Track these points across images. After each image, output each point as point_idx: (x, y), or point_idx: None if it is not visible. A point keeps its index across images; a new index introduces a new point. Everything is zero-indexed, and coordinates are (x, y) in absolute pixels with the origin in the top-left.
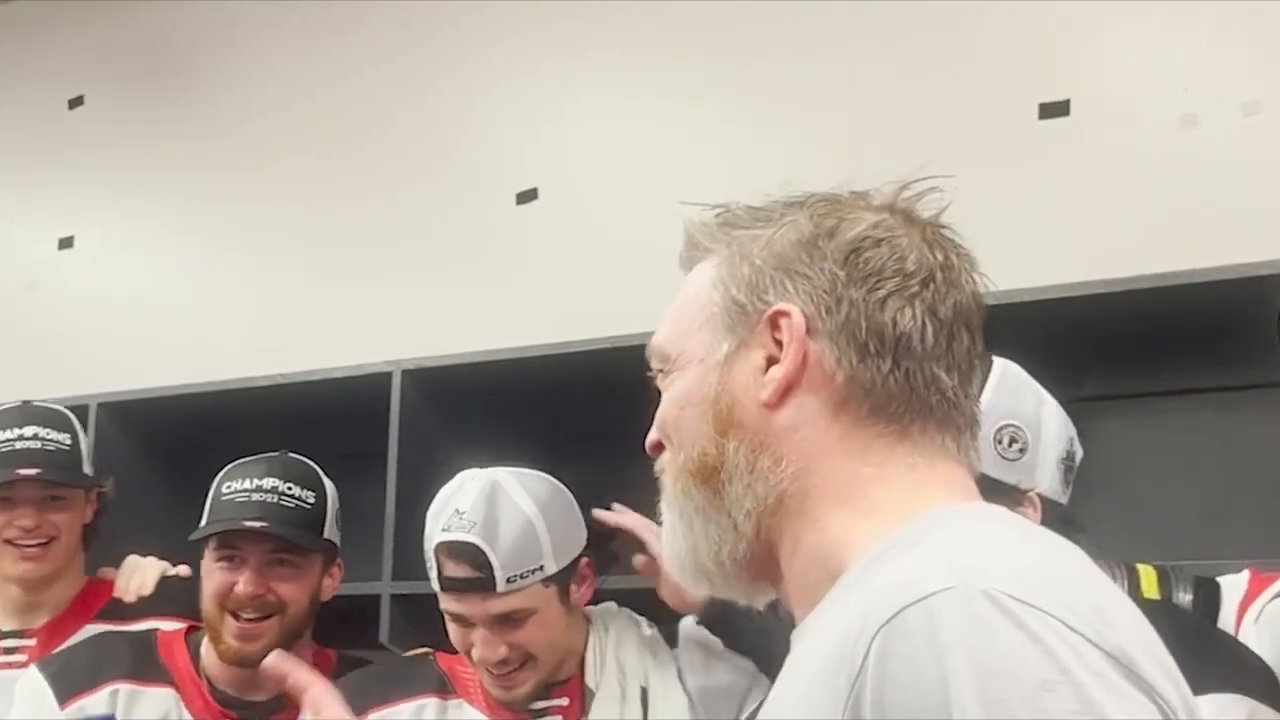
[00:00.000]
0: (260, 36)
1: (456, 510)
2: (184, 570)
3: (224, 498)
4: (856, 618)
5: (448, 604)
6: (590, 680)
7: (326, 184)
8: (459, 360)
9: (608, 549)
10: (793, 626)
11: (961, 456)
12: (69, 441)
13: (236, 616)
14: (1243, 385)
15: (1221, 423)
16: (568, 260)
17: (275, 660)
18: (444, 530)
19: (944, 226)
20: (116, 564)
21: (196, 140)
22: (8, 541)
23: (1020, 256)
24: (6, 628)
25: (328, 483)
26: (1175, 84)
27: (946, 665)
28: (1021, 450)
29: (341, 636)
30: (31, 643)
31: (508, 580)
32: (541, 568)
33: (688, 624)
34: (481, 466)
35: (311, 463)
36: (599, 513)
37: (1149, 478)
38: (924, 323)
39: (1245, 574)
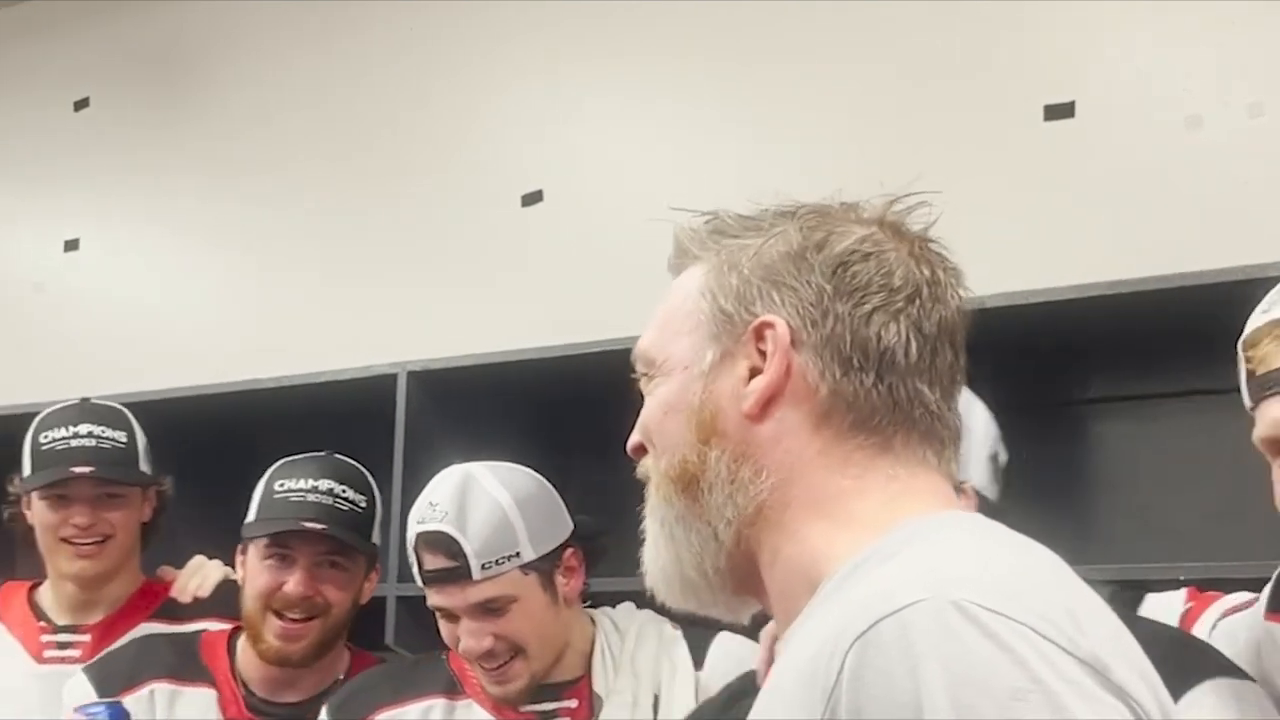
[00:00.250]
0: (264, 39)
1: (430, 503)
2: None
3: (277, 495)
4: (832, 630)
5: (431, 598)
6: (599, 684)
7: (332, 186)
8: (464, 362)
9: (595, 545)
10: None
11: (943, 468)
12: (125, 439)
13: (280, 616)
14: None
15: (1228, 424)
16: (572, 262)
17: None
18: (419, 523)
19: (932, 241)
20: (159, 563)
21: (201, 142)
22: (63, 540)
23: (1025, 258)
24: (61, 623)
25: (375, 486)
26: (1180, 86)
27: (920, 677)
28: None
29: (346, 638)
30: (86, 638)
31: (483, 567)
32: (518, 554)
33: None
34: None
35: (360, 465)
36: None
37: (1155, 479)
38: (908, 338)
39: (1183, 592)
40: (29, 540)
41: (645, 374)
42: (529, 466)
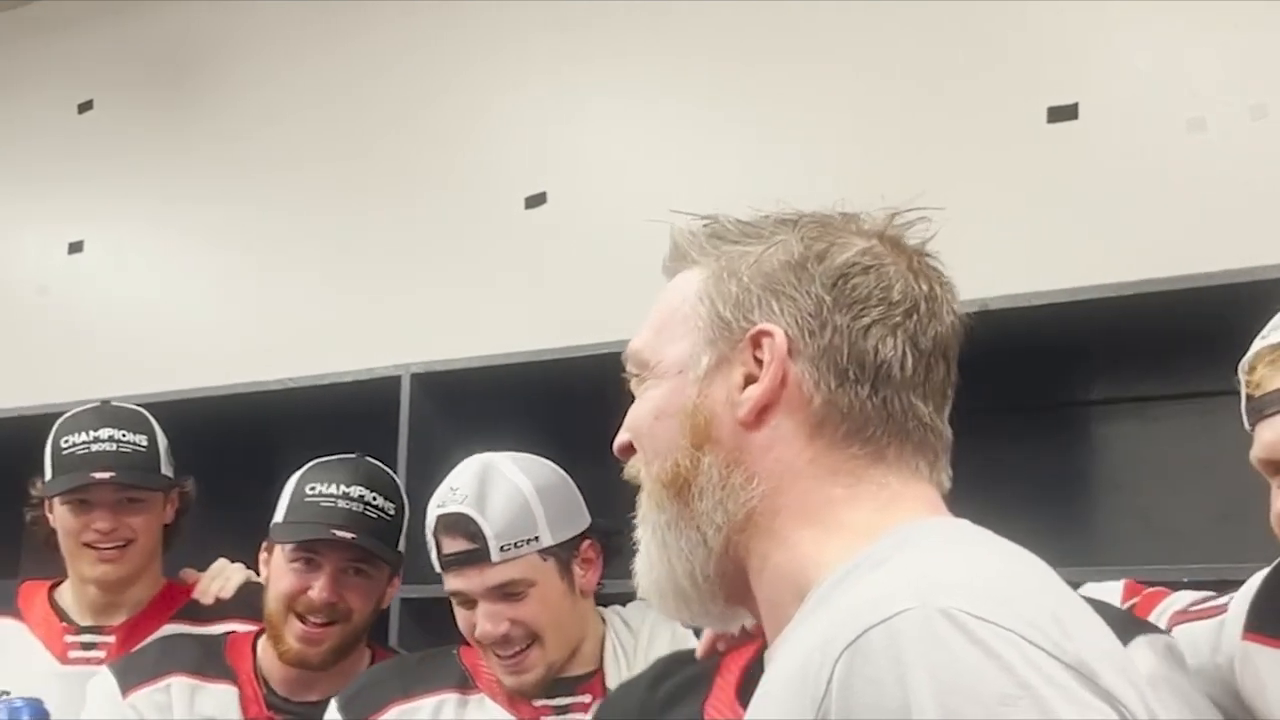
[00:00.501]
0: (268, 42)
1: (451, 487)
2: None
3: (308, 499)
4: (821, 639)
5: (449, 582)
6: (612, 679)
7: (335, 188)
8: (468, 364)
9: (609, 545)
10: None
11: (934, 478)
12: (145, 443)
13: (303, 619)
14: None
15: (1231, 426)
16: (576, 264)
17: None
18: (438, 507)
19: (930, 256)
20: (182, 566)
21: (205, 144)
22: (86, 544)
23: (1028, 260)
24: (84, 624)
25: (403, 492)
26: (1183, 88)
27: (908, 685)
28: None
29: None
30: (110, 639)
31: (501, 549)
32: (536, 538)
33: None
34: None
35: (390, 470)
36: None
37: (1160, 481)
38: (905, 352)
39: (1120, 584)
40: (50, 543)
41: (636, 375)
42: None
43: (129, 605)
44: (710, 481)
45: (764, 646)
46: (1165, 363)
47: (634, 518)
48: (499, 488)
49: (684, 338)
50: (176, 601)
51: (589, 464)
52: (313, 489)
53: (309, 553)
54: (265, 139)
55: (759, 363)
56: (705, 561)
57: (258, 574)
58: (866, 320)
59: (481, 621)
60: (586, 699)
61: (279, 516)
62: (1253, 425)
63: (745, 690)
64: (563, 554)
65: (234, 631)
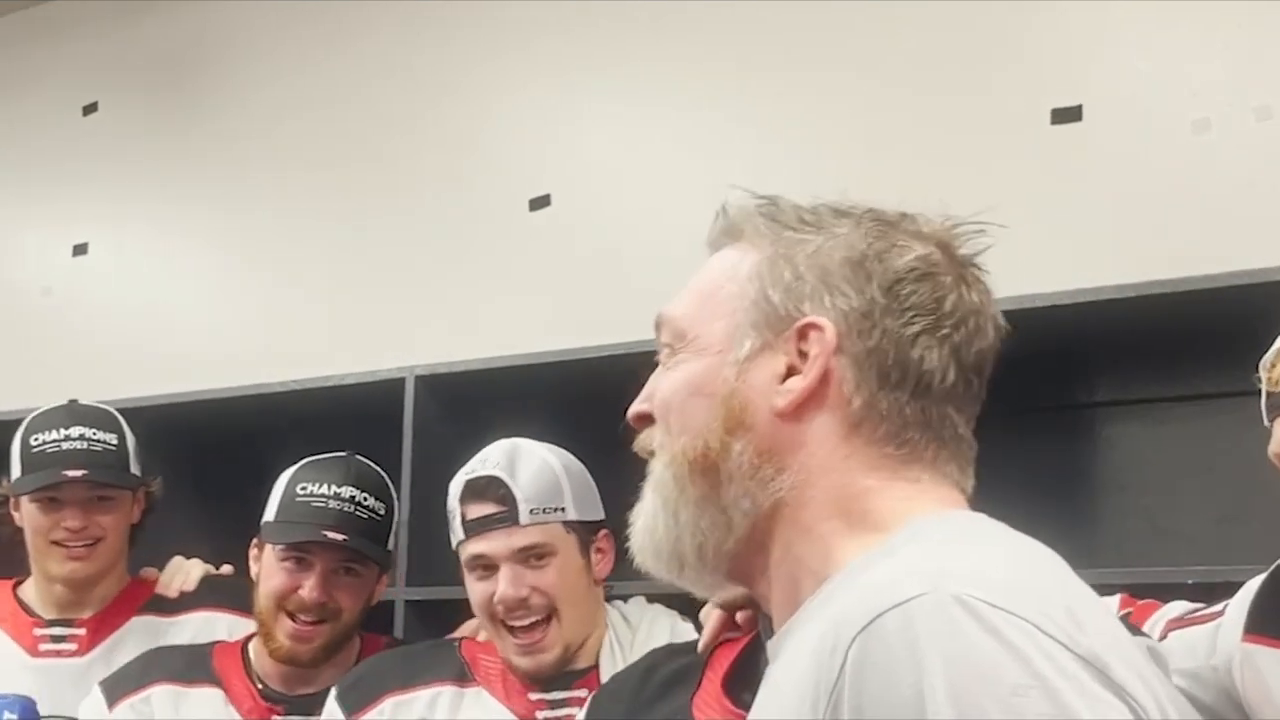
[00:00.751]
0: (273, 44)
1: (480, 459)
2: (226, 570)
3: (299, 499)
4: (833, 625)
5: (472, 546)
6: (606, 675)
7: (340, 190)
8: (472, 366)
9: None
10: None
11: (962, 484)
12: (115, 441)
13: (293, 617)
14: (1257, 390)
15: (1236, 427)
16: (580, 266)
17: None
18: (467, 474)
19: (983, 270)
20: (146, 565)
21: (210, 147)
22: (55, 542)
23: (1033, 261)
24: (50, 618)
25: (393, 492)
26: (1187, 89)
27: (922, 670)
28: None
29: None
30: (81, 632)
31: (530, 512)
32: (563, 509)
33: None
34: None
35: (380, 469)
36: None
37: (1163, 483)
38: (948, 365)
39: (1116, 598)
40: (15, 541)
41: (670, 345)
42: None
43: (95, 602)
44: (739, 469)
45: (755, 639)
46: (1169, 364)
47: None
48: (529, 460)
49: (726, 316)
50: (142, 596)
51: (593, 466)
52: (304, 489)
53: (300, 553)
54: (270, 141)
55: (802, 355)
56: (723, 541)
57: (248, 571)
58: (916, 328)
59: (503, 585)
60: (582, 694)
61: (269, 515)
62: (1271, 421)
63: (732, 684)
64: (584, 533)
65: (220, 642)
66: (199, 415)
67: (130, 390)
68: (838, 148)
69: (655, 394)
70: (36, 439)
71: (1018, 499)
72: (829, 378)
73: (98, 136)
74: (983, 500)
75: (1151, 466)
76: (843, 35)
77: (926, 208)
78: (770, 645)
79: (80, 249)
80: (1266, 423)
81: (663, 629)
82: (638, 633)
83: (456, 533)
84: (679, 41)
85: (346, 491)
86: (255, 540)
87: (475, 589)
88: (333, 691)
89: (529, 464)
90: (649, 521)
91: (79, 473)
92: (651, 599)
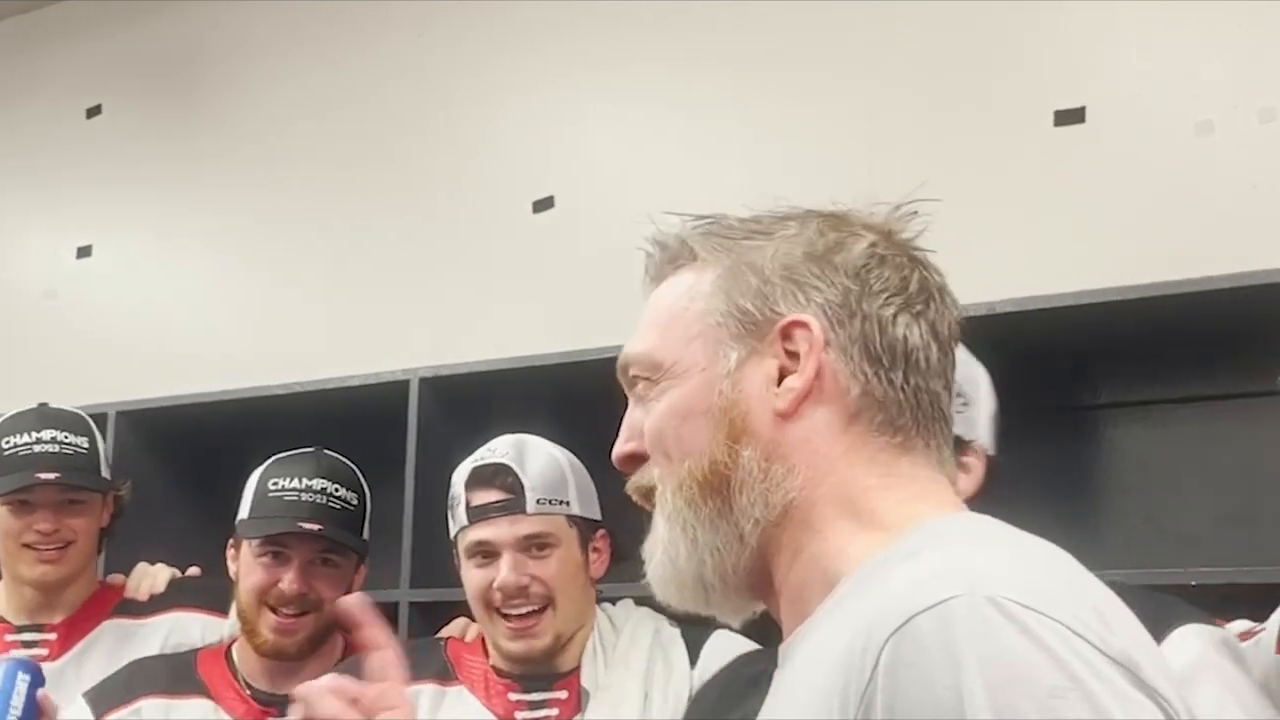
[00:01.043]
0: (277, 46)
1: (488, 448)
2: (193, 571)
3: (271, 494)
4: (862, 627)
5: (475, 533)
6: (587, 678)
7: (343, 192)
8: (476, 368)
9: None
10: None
11: (946, 469)
12: (86, 445)
13: (275, 611)
14: (1260, 392)
15: (1238, 429)
16: (584, 268)
17: (352, 605)
18: (474, 462)
19: (930, 251)
20: (130, 570)
21: (213, 149)
22: (25, 545)
23: (1035, 263)
24: (20, 623)
25: (364, 483)
26: (1190, 91)
27: (960, 671)
28: (965, 404)
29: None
30: (52, 636)
31: (537, 502)
32: (567, 503)
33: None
34: None
35: (349, 462)
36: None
37: (1166, 484)
38: (928, 340)
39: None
40: None
41: (647, 379)
42: None
43: (65, 606)
44: (751, 475)
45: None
46: (1173, 366)
47: (633, 522)
48: (536, 452)
49: (698, 336)
50: (112, 600)
51: (594, 468)
52: (275, 484)
53: (277, 546)
54: (274, 144)
55: (790, 354)
56: (739, 557)
57: (227, 572)
58: (892, 309)
59: (505, 571)
60: (562, 695)
61: (244, 513)
62: None
63: None
64: (584, 529)
65: (201, 650)
66: (203, 417)
67: (134, 392)
68: (841, 151)
69: (642, 431)
70: (8, 442)
71: (1021, 500)
72: (823, 372)
73: (101, 139)
74: (985, 501)
75: (1155, 468)
76: (846, 38)
77: (926, 208)
78: (781, 649)
79: (84, 251)
80: None
81: (646, 633)
82: (620, 635)
83: (459, 519)
84: (683, 44)
85: (318, 484)
86: (231, 540)
87: (473, 576)
88: None
89: (537, 456)
90: (669, 550)
91: (51, 475)
92: (640, 602)
